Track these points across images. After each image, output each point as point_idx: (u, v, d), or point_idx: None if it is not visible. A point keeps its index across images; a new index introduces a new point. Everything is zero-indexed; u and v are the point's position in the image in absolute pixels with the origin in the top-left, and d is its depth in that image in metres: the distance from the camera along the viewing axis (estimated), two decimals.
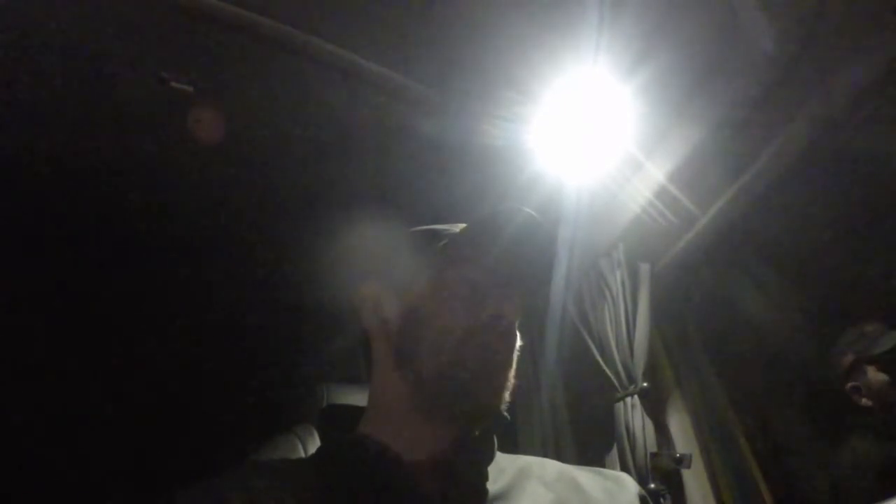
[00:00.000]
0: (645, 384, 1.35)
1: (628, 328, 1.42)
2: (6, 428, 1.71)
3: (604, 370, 1.43)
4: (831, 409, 1.79)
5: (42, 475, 1.78)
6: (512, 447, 0.88)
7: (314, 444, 1.13)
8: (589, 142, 1.38)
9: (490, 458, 0.79)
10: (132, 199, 1.54)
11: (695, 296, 1.64)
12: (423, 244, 0.86)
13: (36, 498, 1.77)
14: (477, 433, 0.80)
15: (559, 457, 1.47)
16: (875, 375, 1.62)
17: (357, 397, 1.21)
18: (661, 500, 1.26)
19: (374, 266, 0.88)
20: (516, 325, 0.83)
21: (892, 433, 1.60)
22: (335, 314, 1.00)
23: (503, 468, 0.79)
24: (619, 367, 1.40)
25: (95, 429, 1.83)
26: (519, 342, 0.83)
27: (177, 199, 1.57)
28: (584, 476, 0.82)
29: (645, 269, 1.47)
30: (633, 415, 1.34)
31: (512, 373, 0.80)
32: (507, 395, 0.79)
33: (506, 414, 0.82)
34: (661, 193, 1.40)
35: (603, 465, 1.44)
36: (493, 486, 0.75)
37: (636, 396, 1.35)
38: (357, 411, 0.85)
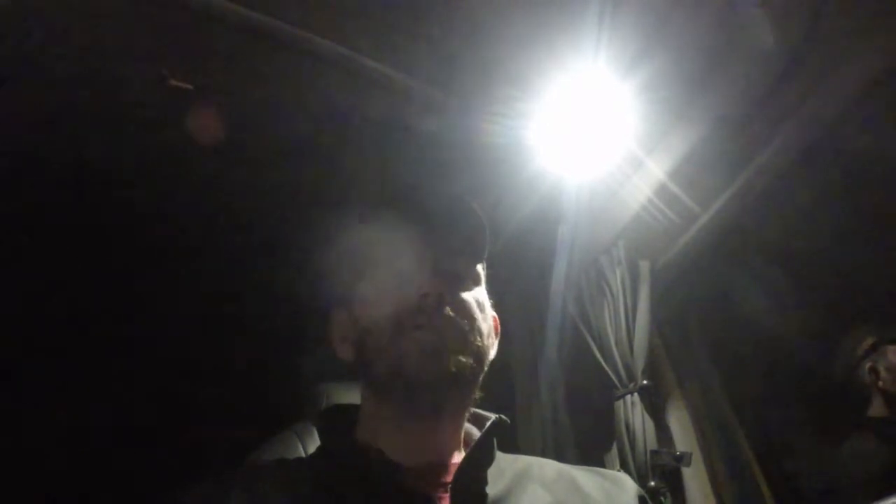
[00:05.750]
0: (645, 382, 1.35)
1: (628, 326, 1.42)
2: (4, 427, 1.71)
3: (604, 368, 1.43)
4: (832, 407, 1.79)
5: (38, 476, 1.78)
6: (512, 445, 0.88)
7: (314, 444, 1.13)
8: (589, 139, 1.38)
9: (489, 462, 0.79)
10: (132, 198, 1.54)
11: (695, 294, 1.64)
12: (352, 249, 0.86)
13: (33, 499, 1.77)
14: (478, 436, 0.80)
15: (559, 454, 1.47)
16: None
17: (358, 396, 1.21)
18: (662, 498, 1.26)
19: (343, 287, 0.88)
20: (461, 289, 0.81)
21: (893, 433, 1.60)
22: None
23: (503, 470, 0.79)
24: (619, 365, 1.40)
25: (95, 429, 1.83)
26: (476, 298, 0.82)
27: (177, 197, 1.57)
28: (583, 476, 0.82)
29: (645, 266, 1.47)
30: (633, 413, 1.34)
31: (471, 335, 0.78)
32: (471, 361, 0.77)
33: (505, 417, 0.82)
34: (662, 191, 1.40)
35: (603, 463, 1.44)
36: (492, 489, 0.74)
37: (636, 394, 1.35)
38: (358, 411, 0.85)
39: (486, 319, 0.83)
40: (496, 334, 0.89)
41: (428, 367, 0.73)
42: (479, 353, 0.79)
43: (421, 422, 0.77)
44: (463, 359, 0.76)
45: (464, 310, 0.79)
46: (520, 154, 1.43)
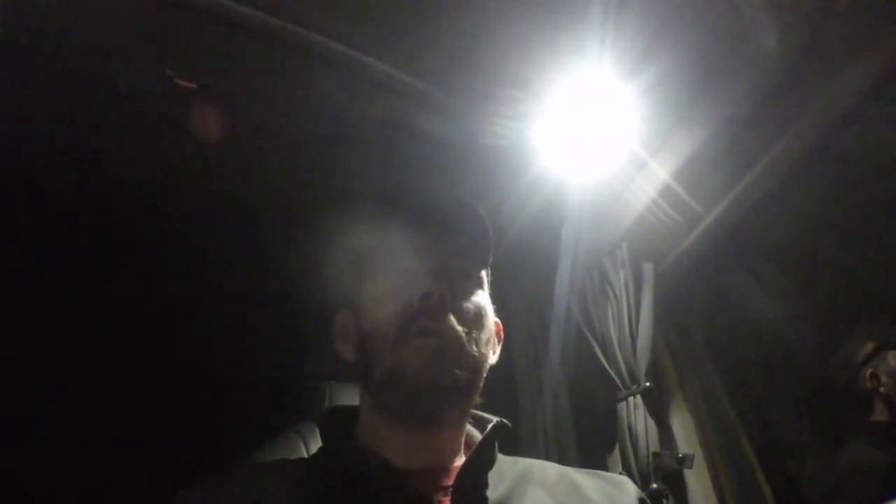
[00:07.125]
0: (648, 384, 1.35)
1: (631, 328, 1.41)
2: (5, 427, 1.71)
3: (606, 370, 1.43)
4: (835, 410, 1.79)
5: (40, 476, 1.78)
6: (514, 447, 0.89)
7: (316, 444, 1.13)
8: (593, 140, 1.38)
9: (490, 464, 0.79)
10: (136, 198, 1.55)
11: (698, 295, 1.63)
12: (354, 251, 0.86)
13: (32, 500, 1.77)
14: (480, 438, 0.80)
15: (561, 456, 1.47)
16: None
17: None
18: (664, 500, 1.26)
19: (345, 291, 0.88)
20: (463, 292, 0.81)
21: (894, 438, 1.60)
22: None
23: (503, 472, 0.79)
24: (622, 367, 1.40)
25: (96, 428, 1.83)
26: (477, 303, 0.82)
27: (180, 197, 1.57)
28: (585, 479, 0.82)
29: (648, 268, 1.47)
30: (635, 415, 1.33)
31: (468, 345, 0.77)
32: (467, 373, 0.77)
33: (506, 421, 0.82)
34: (666, 192, 1.39)
35: (605, 465, 1.44)
36: (493, 492, 0.74)
37: (639, 396, 1.35)
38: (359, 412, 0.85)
39: (487, 326, 0.83)
40: (498, 340, 0.89)
41: (425, 376, 0.73)
42: (477, 363, 0.79)
43: (420, 428, 0.78)
44: (460, 369, 0.76)
45: (464, 316, 0.79)
46: (523, 156, 1.43)
